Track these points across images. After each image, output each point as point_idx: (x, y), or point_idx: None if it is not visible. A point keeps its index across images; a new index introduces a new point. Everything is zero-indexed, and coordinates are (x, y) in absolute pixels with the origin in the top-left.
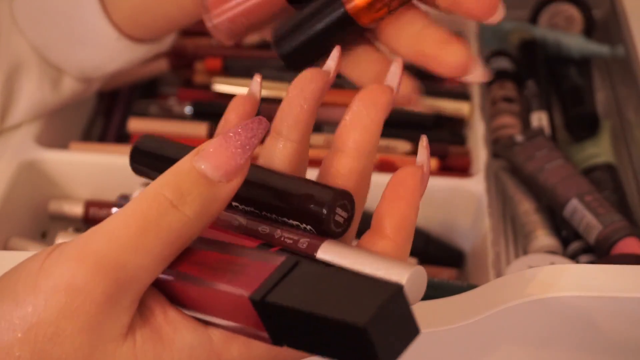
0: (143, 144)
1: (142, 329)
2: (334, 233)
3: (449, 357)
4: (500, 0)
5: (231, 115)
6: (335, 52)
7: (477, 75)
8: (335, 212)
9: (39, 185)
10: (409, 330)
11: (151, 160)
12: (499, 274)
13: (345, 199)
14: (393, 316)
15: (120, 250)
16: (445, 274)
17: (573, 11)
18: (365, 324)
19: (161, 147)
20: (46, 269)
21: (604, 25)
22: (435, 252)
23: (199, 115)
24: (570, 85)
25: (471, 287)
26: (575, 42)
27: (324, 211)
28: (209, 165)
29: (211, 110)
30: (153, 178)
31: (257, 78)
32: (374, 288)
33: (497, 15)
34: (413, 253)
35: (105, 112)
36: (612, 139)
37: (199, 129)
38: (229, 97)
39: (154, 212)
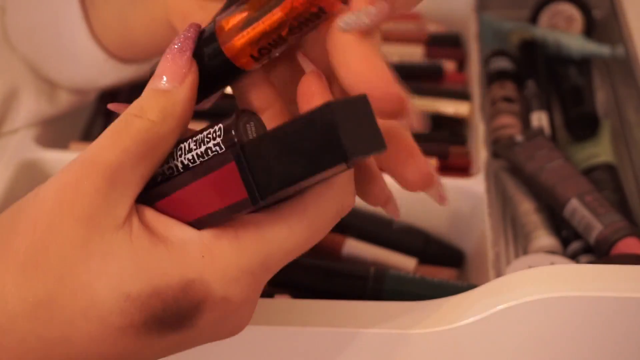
0: None
1: (138, 224)
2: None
3: (449, 357)
4: (434, 178)
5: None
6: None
7: (435, 192)
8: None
9: (38, 185)
10: (375, 141)
11: None
12: (499, 274)
13: (248, 117)
14: (357, 118)
15: (100, 150)
16: (445, 274)
17: (573, 11)
18: (332, 105)
19: None
20: (44, 182)
21: (604, 25)
22: (435, 252)
23: (199, 115)
24: (570, 85)
25: (471, 287)
26: (575, 42)
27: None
28: (157, 79)
29: (211, 110)
30: None
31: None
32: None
33: (426, 189)
34: (413, 253)
35: (105, 112)
36: (612, 139)
37: (199, 128)
38: (229, 97)
39: (123, 122)
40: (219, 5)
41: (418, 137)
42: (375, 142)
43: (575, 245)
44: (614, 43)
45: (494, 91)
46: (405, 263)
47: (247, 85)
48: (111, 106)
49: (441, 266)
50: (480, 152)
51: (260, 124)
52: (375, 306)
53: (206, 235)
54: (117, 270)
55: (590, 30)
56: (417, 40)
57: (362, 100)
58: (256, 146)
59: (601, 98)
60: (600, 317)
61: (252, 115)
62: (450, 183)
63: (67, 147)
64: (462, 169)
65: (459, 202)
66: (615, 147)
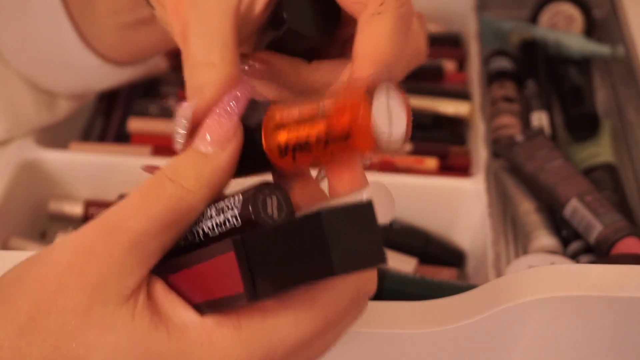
0: None
1: (144, 298)
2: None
3: (449, 357)
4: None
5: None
6: None
7: None
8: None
9: (38, 185)
10: (373, 254)
11: None
12: (499, 274)
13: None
14: (357, 227)
15: (124, 215)
16: (445, 274)
17: (573, 11)
18: (323, 214)
19: None
20: (62, 237)
21: (604, 25)
22: (435, 252)
23: None
24: (571, 85)
25: (471, 287)
26: (575, 41)
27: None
28: (198, 139)
29: None
30: None
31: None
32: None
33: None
34: (413, 253)
35: (105, 112)
36: (612, 138)
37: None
38: None
39: (154, 185)
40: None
41: (419, 137)
42: (374, 255)
43: (575, 245)
44: (614, 43)
45: (494, 91)
46: (405, 263)
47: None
48: (145, 168)
49: (441, 266)
50: (480, 152)
51: (285, 198)
52: (375, 306)
53: (208, 322)
54: (113, 346)
55: (591, 30)
56: None
57: (365, 207)
58: (258, 241)
59: (601, 98)
60: (600, 317)
61: (276, 188)
62: (450, 183)
63: (67, 147)
64: (462, 169)
65: (459, 202)
66: (615, 147)
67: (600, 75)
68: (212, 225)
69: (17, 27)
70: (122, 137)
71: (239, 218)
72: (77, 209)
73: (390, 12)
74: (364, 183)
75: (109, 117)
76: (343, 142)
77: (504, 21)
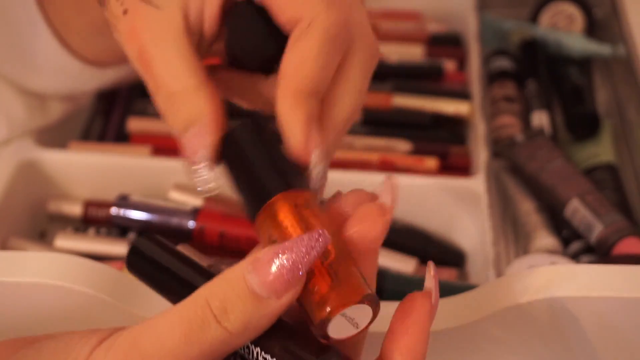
0: (141, 245)
1: None
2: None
3: (449, 357)
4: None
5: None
6: None
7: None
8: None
9: (37, 185)
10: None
11: (148, 266)
12: (499, 274)
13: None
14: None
15: (165, 357)
16: (445, 274)
17: (574, 10)
18: None
19: (159, 253)
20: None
21: (604, 24)
22: (435, 252)
23: None
24: (571, 84)
25: (471, 287)
26: (575, 41)
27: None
28: (258, 281)
29: None
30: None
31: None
32: None
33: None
34: (413, 253)
35: (104, 111)
36: (612, 138)
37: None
38: None
39: (198, 323)
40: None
41: (419, 137)
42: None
43: (575, 245)
44: (614, 42)
45: (495, 91)
46: (405, 263)
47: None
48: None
49: (441, 266)
50: (480, 152)
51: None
52: None
53: None
54: None
55: (591, 29)
56: (417, 39)
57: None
58: None
59: (602, 98)
60: (600, 317)
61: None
62: (450, 183)
63: (66, 146)
64: (462, 169)
65: (459, 202)
66: (615, 146)
67: (600, 75)
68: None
69: None
70: (122, 137)
71: None
72: (76, 209)
73: (318, 32)
74: None
75: (108, 116)
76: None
77: (504, 21)
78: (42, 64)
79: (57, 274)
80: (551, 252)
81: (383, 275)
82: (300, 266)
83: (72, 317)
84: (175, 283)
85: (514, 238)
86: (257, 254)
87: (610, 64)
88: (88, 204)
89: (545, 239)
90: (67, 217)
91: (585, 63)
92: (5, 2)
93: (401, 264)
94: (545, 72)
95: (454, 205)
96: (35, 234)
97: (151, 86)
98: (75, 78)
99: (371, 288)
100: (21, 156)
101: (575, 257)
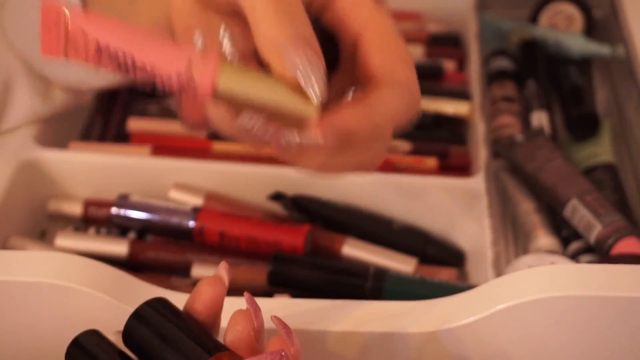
0: (84, 340)
1: None
2: None
3: (449, 357)
4: None
5: (196, 305)
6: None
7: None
8: None
9: (38, 185)
10: None
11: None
12: (499, 274)
13: None
14: None
15: None
16: (445, 274)
17: (573, 11)
18: None
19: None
20: None
21: (604, 25)
22: (435, 252)
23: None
24: (571, 84)
25: (471, 287)
26: (575, 41)
27: None
28: None
29: None
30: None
31: (224, 264)
32: None
33: None
34: (413, 253)
35: (104, 111)
36: (612, 138)
37: None
38: None
39: None
40: (218, 20)
41: (418, 137)
42: None
43: (575, 245)
44: (614, 43)
45: (494, 91)
46: (405, 263)
47: None
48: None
49: (441, 266)
50: (480, 152)
51: None
52: (375, 306)
53: None
54: None
55: (591, 29)
56: (417, 40)
57: None
58: None
59: (601, 98)
60: (600, 316)
61: None
62: (450, 183)
63: (67, 146)
64: (462, 169)
65: (459, 202)
66: (615, 146)
67: (600, 75)
68: None
69: (25, 9)
70: (122, 137)
71: None
72: (76, 209)
73: (410, 100)
74: None
75: (108, 116)
76: None
77: (504, 21)
78: None
79: (57, 274)
80: (551, 252)
81: (383, 275)
82: None
83: (72, 316)
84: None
85: (513, 238)
86: None
87: (609, 64)
88: (88, 204)
89: (545, 238)
90: (68, 216)
91: (584, 63)
92: None
93: (401, 264)
94: (545, 72)
95: (454, 205)
96: (35, 233)
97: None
98: (90, 71)
99: None
100: (22, 156)
101: (575, 257)
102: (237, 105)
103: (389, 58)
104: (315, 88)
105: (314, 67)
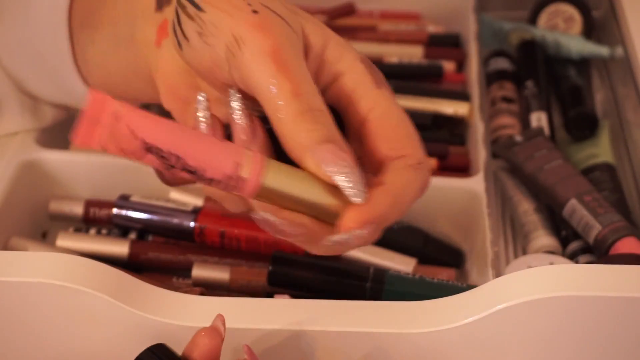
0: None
1: None
2: None
3: (449, 357)
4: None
5: (194, 355)
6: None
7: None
8: None
9: (39, 185)
10: None
11: None
12: (498, 274)
13: None
14: None
15: None
16: (445, 274)
17: (572, 12)
18: None
19: None
20: None
21: (603, 25)
22: (435, 252)
23: None
24: (570, 85)
25: (471, 287)
26: (574, 42)
27: None
28: None
29: None
30: None
31: (219, 316)
32: None
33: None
34: (412, 253)
35: None
36: (611, 139)
37: None
38: None
39: None
40: (204, 85)
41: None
42: None
43: (574, 245)
44: (613, 44)
45: (494, 91)
46: (405, 263)
47: None
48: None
49: (441, 266)
50: (479, 152)
51: None
52: (375, 306)
53: None
54: None
55: (590, 30)
56: (416, 40)
57: None
58: None
59: (600, 98)
60: (599, 317)
61: None
62: (450, 183)
63: (68, 147)
64: (462, 169)
65: (459, 202)
66: (614, 147)
67: (599, 75)
68: None
69: (17, 27)
70: None
71: None
72: (77, 209)
73: (423, 173)
74: None
75: None
76: None
77: (504, 22)
78: (49, 71)
79: (58, 274)
80: (550, 252)
81: (383, 275)
82: None
83: (73, 316)
84: None
85: (512, 238)
86: None
87: (608, 65)
88: (89, 204)
89: (544, 239)
90: (69, 217)
91: (583, 64)
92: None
93: (401, 264)
94: (544, 73)
95: (453, 205)
96: (36, 234)
97: (285, 88)
98: (78, 95)
99: None
100: (23, 156)
101: (574, 257)
102: (276, 202)
103: (397, 140)
104: (355, 190)
105: (349, 169)
